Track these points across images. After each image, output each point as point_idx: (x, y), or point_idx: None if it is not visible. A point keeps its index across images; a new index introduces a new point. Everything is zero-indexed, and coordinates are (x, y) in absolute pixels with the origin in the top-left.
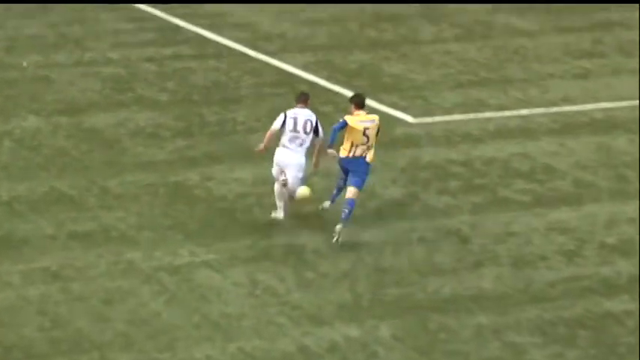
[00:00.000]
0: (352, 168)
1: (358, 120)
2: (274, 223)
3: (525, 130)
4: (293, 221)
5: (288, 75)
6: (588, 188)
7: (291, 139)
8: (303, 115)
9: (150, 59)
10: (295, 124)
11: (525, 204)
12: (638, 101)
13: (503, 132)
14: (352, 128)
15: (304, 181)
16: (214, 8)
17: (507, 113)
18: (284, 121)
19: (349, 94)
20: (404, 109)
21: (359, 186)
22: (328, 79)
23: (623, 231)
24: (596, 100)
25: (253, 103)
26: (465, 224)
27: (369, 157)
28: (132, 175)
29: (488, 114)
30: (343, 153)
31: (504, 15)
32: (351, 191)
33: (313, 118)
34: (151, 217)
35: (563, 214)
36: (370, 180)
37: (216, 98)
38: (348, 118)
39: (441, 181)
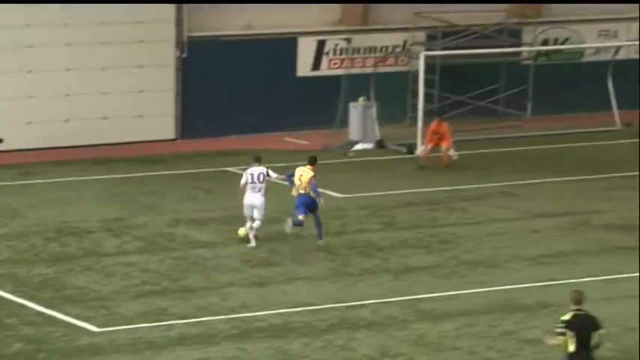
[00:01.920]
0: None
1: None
2: None
3: (206, 336)
4: None
5: None
6: None
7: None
8: (257, 170)
9: None
10: (252, 176)
11: None
12: (311, 307)
13: (185, 338)
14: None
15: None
16: None
17: (189, 321)
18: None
19: (34, 306)
20: (88, 320)
21: None
22: (13, 292)
23: None
24: (273, 306)
25: None
26: None
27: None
28: None
29: (170, 322)
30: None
31: (183, 227)
32: None
33: (264, 170)
34: None
35: None
36: None
37: None
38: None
39: None
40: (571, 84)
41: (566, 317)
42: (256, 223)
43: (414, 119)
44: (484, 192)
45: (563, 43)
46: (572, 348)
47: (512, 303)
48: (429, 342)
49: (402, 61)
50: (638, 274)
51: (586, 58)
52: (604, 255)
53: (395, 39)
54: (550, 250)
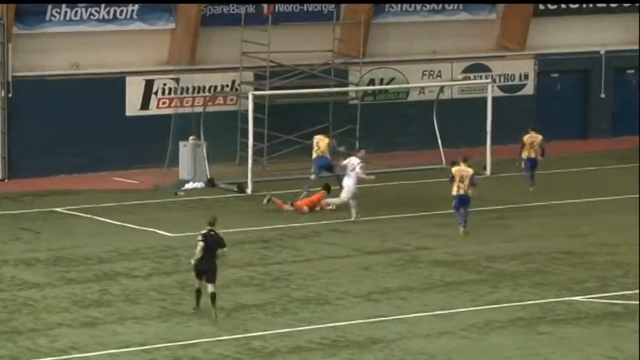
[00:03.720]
0: None
1: None
2: None
3: None
4: None
5: None
6: None
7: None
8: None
9: None
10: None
11: None
12: (142, 347)
13: None
14: None
15: None
16: None
17: None
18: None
19: None
20: None
21: None
22: None
23: None
24: (104, 346)
25: None
26: None
27: None
28: None
29: None
30: None
31: (11, 268)
32: None
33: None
34: None
35: None
36: None
37: None
38: None
39: None
40: (397, 122)
41: (203, 232)
42: None
43: (244, 158)
44: (316, 229)
45: (388, 82)
46: (199, 255)
47: (343, 339)
48: None
49: (232, 100)
50: (464, 309)
51: (411, 98)
52: (432, 290)
53: (224, 78)
54: (380, 287)
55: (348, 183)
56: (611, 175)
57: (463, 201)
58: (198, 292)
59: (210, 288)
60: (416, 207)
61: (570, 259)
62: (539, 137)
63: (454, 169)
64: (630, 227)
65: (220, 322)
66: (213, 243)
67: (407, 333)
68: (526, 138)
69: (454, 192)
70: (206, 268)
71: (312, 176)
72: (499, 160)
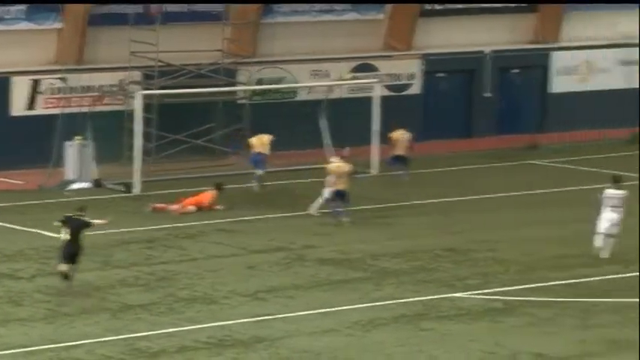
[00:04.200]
0: None
1: None
2: None
3: None
4: None
5: None
6: None
7: None
8: None
9: None
10: None
11: None
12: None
13: None
14: None
15: None
16: None
17: None
18: None
19: None
20: None
21: None
22: None
23: None
24: None
25: None
26: None
27: None
28: None
29: None
30: None
31: None
32: None
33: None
34: None
35: None
36: None
37: None
38: None
39: None
40: (286, 122)
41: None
42: None
43: (131, 158)
44: (202, 229)
45: (277, 82)
46: (67, 237)
47: (229, 338)
48: None
49: (119, 100)
50: (349, 307)
51: (299, 97)
52: (318, 289)
53: (111, 78)
54: (266, 286)
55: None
56: (495, 174)
57: (340, 195)
58: (65, 276)
59: (68, 268)
60: (302, 206)
61: (453, 257)
62: (407, 135)
63: (332, 166)
64: (511, 224)
65: (105, 323)
66: (76, 226)
67: (292, 331)
68: (395, 135)
69: (333, 187)
70: (70, 251)
71: (260, 172)
72: (387, 158)
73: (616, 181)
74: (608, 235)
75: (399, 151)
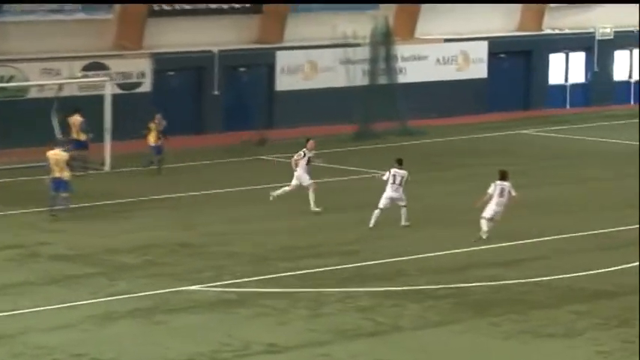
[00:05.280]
0: None
1: None
2: None
3: None
4: None
5: None
6: None
7: None
8: None
9: None
10: None
11: None
12: None
13: None
14: None
15: None
16: None
17: None
18: None
19: None
20: None
21: None
22: None
23: None
24: None
25: None
26: None
27: None
28: None
29: None
30: None
31: None
32: None
33: None
34: None
35: None
36: None
37: None
38: None
39: None
40: (16, 120)
41: None
42: None
43: None
44: None
45: (8, 80)
46: None
47: None
48: None
49: None
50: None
51: (30, 95)
52: (52, 285)
53: None
54: None
55: (299, 174)
56: (226, 169)
57: (58, 185)
58: None
59: None
60: (33, 202)
61: (187, 251)
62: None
63: (49, 153)
64: (243, 218)
65: None
66: None
67: (27, 328)
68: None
69: (51, 175)
70: None
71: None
72: (119, 155)
73: (399, 164)
74: (384, 210)
75: (157, 142)
